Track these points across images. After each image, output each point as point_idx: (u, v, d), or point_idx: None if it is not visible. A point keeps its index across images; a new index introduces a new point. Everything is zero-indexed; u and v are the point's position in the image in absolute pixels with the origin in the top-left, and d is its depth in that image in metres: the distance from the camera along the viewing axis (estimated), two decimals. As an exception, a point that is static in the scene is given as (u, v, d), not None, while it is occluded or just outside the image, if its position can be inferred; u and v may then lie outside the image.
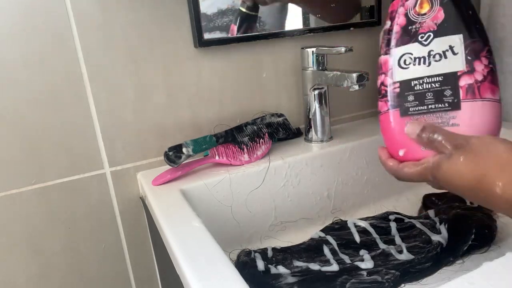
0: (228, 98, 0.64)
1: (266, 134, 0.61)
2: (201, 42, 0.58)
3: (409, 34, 0.39)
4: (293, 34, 0.64)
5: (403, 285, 0.46)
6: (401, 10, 0.40)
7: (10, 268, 0.55)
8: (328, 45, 0.61)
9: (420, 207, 0.63)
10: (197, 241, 0.39)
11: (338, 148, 0.62)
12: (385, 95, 0.41)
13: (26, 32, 0.50)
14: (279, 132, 0.64)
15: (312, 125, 0.64)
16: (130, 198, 0.60)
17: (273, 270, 0.47)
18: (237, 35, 0.60)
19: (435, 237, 0.50)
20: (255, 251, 0.50)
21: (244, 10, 0.58)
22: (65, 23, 0.51)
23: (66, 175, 0.55)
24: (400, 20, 0.40)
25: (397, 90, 0.40)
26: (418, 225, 0.53)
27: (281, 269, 0.47)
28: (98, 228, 0.59)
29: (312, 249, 0.51)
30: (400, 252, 0.49)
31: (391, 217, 0.56)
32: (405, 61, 0.40)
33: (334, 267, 0.48)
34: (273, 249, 0.51)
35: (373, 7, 0.70)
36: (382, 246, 0.51)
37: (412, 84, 0.39)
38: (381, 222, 0.55)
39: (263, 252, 0.50)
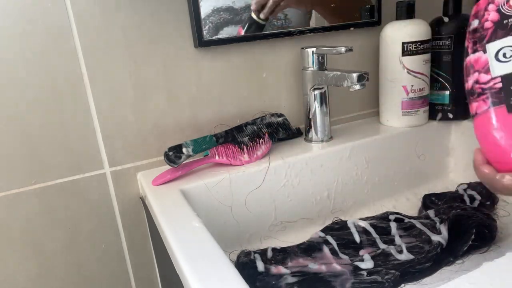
0: (228, 98, 0.64)
1: (266, 134, 0.61)
2: (201, 42, 0.58)
3: (505, 28, 0.38)
4: (293, 34, 0.64)
5: (403, 285, 0.46)
6: (491, 7, 0.39)
7: (10, 268, 0.55)
8: (328, 45, 0.61)
9: (420, 207, 0.63)
10: (197, 241, 0.39)
11: (338, 148, 0.62)
12: (482, 93, 0.38)
13: (26, 32, 0.50)
14: (279, 132, 0.64)
15: (312, 125, 0.64)
16: (130, 198, 0.60)
17: (273, 270, 0.47)
18: (237, 35, 0.60)
19: (435, 237, 0.50)
20: (254, 252, 0.50)
21: (255, 18, 0.60)
22: (65, 23, 0.51)
23: (66, 175, 0.55)
24: (491, 16, 0.39)
25: (499, 85, 0.38)
26: (418, 225, 0.53)
27: (281, 269, 0.47)
28: (98, 228, 0.59)
29: (312, 249, 0.51)
30: (400, 252, 0.49)
31: (391, 217, 0.56)
32: (504, 54, 0.38)
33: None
34: (273, 249, 0.51)
35: (373, 7, 0.70)
36: (382, 246, 0.51)
37: None
38: (381, 222, 0.55)
39: (263, 252, 0.50)
